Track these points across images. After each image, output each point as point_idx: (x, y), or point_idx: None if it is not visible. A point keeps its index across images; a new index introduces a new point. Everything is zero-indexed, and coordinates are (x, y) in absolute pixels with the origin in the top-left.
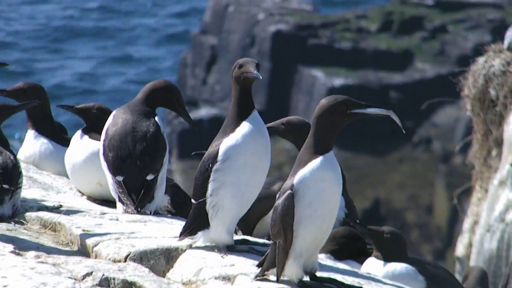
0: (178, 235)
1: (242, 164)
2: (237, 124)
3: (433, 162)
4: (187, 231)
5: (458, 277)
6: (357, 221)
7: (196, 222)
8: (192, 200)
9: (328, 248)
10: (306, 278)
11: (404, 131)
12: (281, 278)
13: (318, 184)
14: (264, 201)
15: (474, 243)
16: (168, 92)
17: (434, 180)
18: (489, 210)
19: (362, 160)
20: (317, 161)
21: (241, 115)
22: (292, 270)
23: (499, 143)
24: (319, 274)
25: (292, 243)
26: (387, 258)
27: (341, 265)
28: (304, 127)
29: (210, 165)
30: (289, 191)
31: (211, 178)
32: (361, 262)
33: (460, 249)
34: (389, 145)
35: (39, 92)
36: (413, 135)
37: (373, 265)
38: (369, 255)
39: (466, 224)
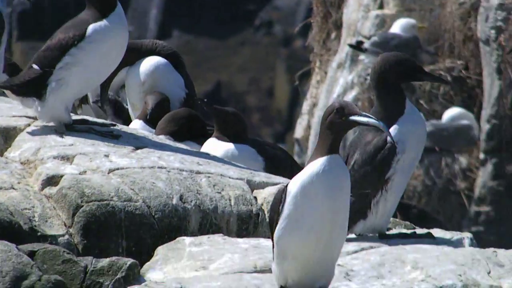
0: (17, 114)
1: (105, 52)
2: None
3: (274, 45)
4: (15, 88)
5: (297, 158)
6: (205, 100)
7: (31, 86)
8: (35, 66)
9: (167, 129)
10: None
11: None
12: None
13: (306, 190)
14: None
15: (312, 125)
16: None
17: (275, 64)
18: (327, 92)
19: (203, 43)
20: (312, 164)
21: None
22: (277, 274)
23: (338, 25)
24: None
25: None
26: (227, 139)
27: (181, 146)
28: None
29: (76, 42)
30: (283, 185)
31: (70, 52)
32: (200, 143)
33: (299, 131)
34: (230, 28)
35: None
36: (254, 18)
37: (213, 146)
38: (208, 136)
39: (306, 106)
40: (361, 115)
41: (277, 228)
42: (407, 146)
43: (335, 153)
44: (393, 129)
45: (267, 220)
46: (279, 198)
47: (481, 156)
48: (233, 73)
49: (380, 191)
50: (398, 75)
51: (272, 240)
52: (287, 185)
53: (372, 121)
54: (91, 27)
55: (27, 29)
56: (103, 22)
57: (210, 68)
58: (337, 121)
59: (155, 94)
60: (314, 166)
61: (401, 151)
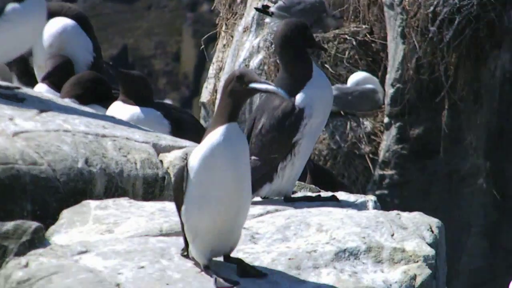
0: None
1: (19, 33)
2: None
3: (181, 9)
4: None
5: (203, 122)
6: (111, 63)
7: None
8: None
9: (72, 92)
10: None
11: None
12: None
13: (207, 162)
14: None
15: (219, 89)
16: None
17: (181, 28)
18: (233, 56)
19: (110, 6)
20: (211, 135)
21: None
22: (194, 252)
23: None
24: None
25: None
26: (133, 102)
27: (86, 109)
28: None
29: None
30: (182, 165)
31: None
32: (106, 106)
33: (205, 95)
34: None
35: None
36: None
37: (118, 109)
38: (114, 99)
39: (212, 70)
40: (260, 82)
41: (184, 207)
42: (315, 110)
43: (233, 121)
44: (300, 94)
45: (172, 189)
46: (181, 176)
47: (386, 120)
48: (139, 37)
49: (288, 155)
50: (300, 42)
51: (181, 219)
52: (186, 162)
53: (271, 87)
54: (10, 6)
55: None
56: (22, 4)
57: (116, 32)
58: (238, 89)
59: (56, 57)
60: (213, 138)
61: (308, 116)
